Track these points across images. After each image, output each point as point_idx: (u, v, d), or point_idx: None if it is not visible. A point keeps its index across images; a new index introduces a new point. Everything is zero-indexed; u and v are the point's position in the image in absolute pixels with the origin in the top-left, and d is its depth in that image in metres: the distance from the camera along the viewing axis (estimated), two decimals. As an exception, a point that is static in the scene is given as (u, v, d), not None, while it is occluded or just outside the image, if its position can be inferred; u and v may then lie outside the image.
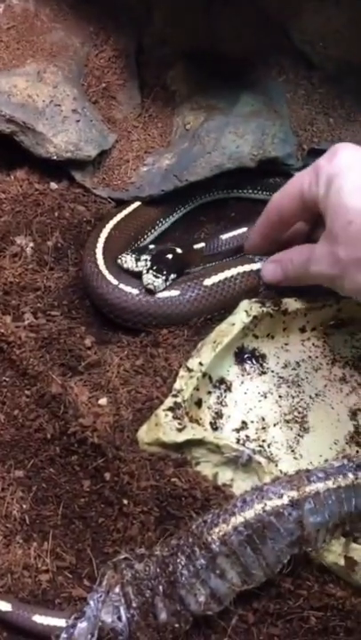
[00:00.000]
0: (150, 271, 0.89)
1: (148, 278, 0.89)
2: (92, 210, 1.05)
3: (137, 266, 0.91)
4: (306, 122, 1.13)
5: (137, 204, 1.03)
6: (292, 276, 0.89)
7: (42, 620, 0.65)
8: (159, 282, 0.89)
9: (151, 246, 0.96)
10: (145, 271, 0.90)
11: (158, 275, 0.89)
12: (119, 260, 0.92)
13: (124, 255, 0.92)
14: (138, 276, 0.91)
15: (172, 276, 0.91)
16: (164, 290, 0.90)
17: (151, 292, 0.90)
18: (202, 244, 1.00)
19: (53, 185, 1.08)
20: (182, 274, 0.95)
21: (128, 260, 0.92)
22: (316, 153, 1.10)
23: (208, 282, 0.92)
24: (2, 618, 0.66)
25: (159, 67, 1.18)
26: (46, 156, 1.03)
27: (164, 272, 0.89)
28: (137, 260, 0.92)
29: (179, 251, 0.96)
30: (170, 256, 0.93)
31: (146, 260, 0.91)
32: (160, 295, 0.90)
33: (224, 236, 1.02)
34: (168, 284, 0.90)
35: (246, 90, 1.09)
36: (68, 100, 1.05)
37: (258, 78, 1.14)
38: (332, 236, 0.79)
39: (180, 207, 1.08)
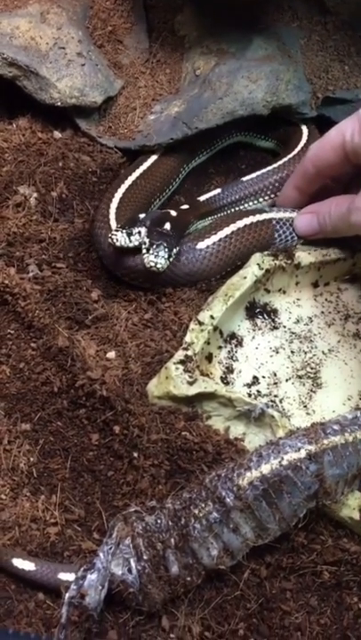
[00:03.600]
0: (151, 250, 0.81)
1: (150, 260, 0.81)
2: (98, 160, 1.01)
3: (130, 241, 0.84)
4: (320, 69, 1.08)
5: (154, 157, 0.99)
6: (330, 228, 0.86)
7: (68, 577, 0.63)
8: (162, 262, 0.81)
9: (141, 215, 0.87)
10: (144, 250, 0.82)
11: (160, 254, 0.81)
12: (110, 240, 0.84)
13: (113, 233, 0.84)
14: (133, 251, 0.85)
15: (175, 250, 0.84)
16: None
17: (155, 274, 0.83)
18: (186, 206, 0.95)
19: (57, 134, 1.03)
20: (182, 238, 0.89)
21: (120, 238, 0.83)
22: (331, 102, 1.06)
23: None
24: (25, 577, 0.65)
25: (167, 10, 1.13)
26: (50, 102, 0.99)
27: (166, 249, 0.81)
28: (129, 234, 0.84)
29: (174, 214, 0.89)
30: (168, 226, 0.85)
31: (139, 233, 0.84)
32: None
33: (201, 198, 0.98)
34: (172, 259, 0.83)
35: (259, 34, 1.04)
36: (72, 42, 1.00)
37: (270, 23, 1.09)
38: None
39: (201, 151, 1.04)
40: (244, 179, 0.99)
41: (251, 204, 0.99)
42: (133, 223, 0.85)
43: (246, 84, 0.96)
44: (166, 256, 0.82)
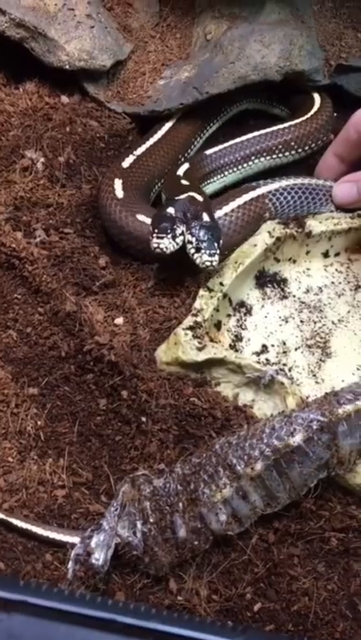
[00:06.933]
0: (203, 249, 0.77)
1: (205, 260, 0.76)
2: (106, 125, 1.00)
3: (177, 244, 0.79)
4: (333, 36, 1.06)
5: (168, 125, 0.97)
6: None
7: None
8: (216, 258, 0.77)
9: (170, 210, 0.81)
10: (193, 250, 0.78)
11: (212, 251, 0.76)
12: (157, 250, 0.78)
13: (155, 240, 0.78)
14: (180, 249, 0.79)
15: (222, 240, 0.79)
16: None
17: (210, 271, 0.80)
18: (186, 181, 0.92)
19: (65, 99, 1.02)
20: None
21: (168, 245, 0.78)
22: (344, 69, 1.04)
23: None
24: None
25: (178, -27, 1.11)
26: (58, 64, 0.97)
27: (215, 243, 0.77)
28: (173, 237, 0.78)
29: (200, 198, 0.84)
30: (205, 217, 0.80)
31: (182, 233, 0.79)
32: None
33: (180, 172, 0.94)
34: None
35: (271, -1, 1.02)
36: (81, 4, 0.98)
37: (283, -12, 1.06)
38: None
39: (214, 119, 1.03)
40: (208, 152, 0.97)
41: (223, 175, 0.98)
42: (169, 222, 0.79)
43: (259, 49, 0.94)
44: (218, 251, 0.78)
